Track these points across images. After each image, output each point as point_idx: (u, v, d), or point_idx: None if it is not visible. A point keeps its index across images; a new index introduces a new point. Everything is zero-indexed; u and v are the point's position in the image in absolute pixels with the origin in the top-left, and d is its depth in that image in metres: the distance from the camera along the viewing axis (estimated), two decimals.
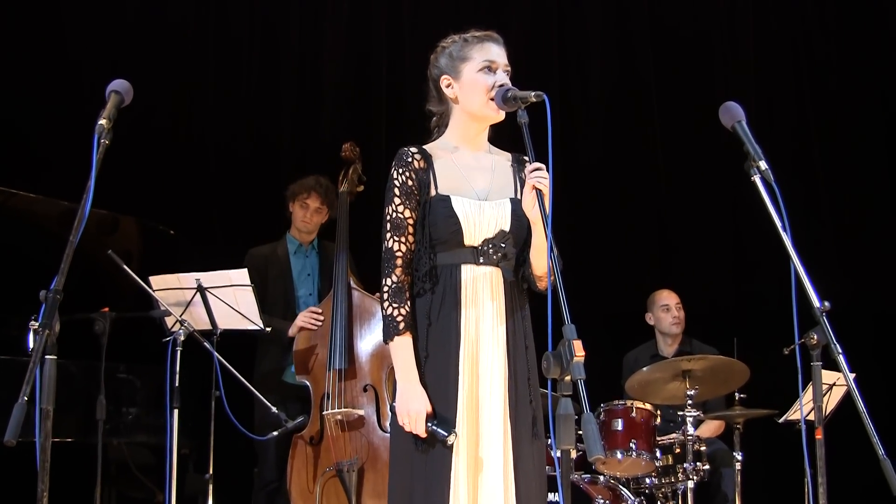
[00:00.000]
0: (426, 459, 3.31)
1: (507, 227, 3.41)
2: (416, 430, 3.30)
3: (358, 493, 5.31)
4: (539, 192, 3.16)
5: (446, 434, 3.26)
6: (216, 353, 5.23)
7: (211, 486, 5.42)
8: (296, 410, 5.59)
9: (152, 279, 5.33)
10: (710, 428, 6.54)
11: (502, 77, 3.46)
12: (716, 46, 8.20)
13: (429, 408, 3.31)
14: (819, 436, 3.22)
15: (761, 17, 8.24)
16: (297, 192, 6.14)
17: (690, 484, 5.76)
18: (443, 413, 3.31)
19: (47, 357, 2.88)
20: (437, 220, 3.38)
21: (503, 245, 3.41)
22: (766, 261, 7.38)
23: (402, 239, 3.42)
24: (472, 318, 3.37)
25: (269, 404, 5.32)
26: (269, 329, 5.53)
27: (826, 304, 3.07)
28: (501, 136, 3.68)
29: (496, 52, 3.51)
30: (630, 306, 7.23)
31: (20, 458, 3.67)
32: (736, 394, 6.03)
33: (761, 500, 6.88)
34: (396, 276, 3.40)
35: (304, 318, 5.73)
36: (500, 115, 3.46)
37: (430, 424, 3.28)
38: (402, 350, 3.38)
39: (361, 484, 5.33)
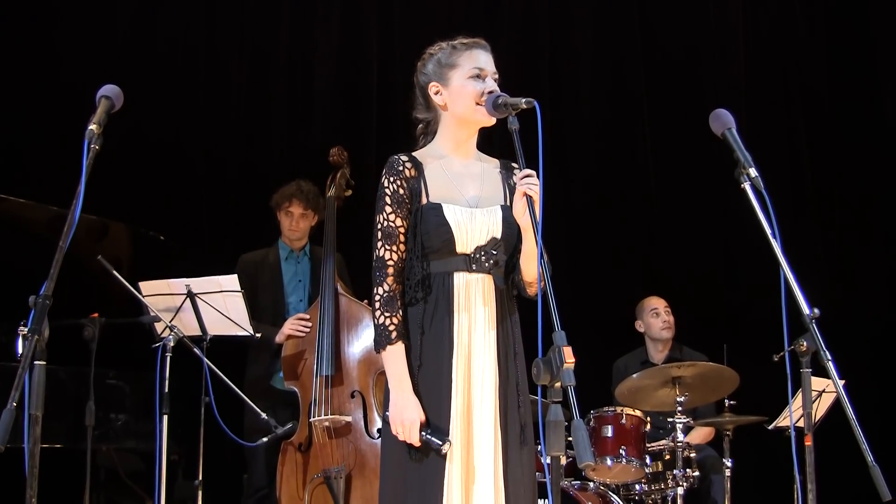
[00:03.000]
0: (420, 468, 3.31)
1: (498, 235, 3.41)
2: (410, 439, 3.29)
3: (346, 500, 5.30)
4: (529, 199, 3.16)
5: (440, 443, 3.25)
6: (206, 359, 5.22)
7: (200, 493, 5.40)
8: (285, 416, 5.58)
9: (142, 285, 5.32)
10: (700, 434, 6.55)
11: (491, 84, 3.46)
12: (706, 54, 8.22)
13: (422, 417, 3.30)
14: (808, 442, 3.22)
15: (752, 27, 8.27)
16: (280, 201, 6.14)
17: (680, 490, 5.76)
18: (436, 422, 3.31)
19: (36, 363, 2.88)
20: (428, 228, 3.37)
21: (495, 252, 3.41)
22: (755, 268, 7.38)
23: (394, 248, 3.41)
24: (465, 323, 3.36)
25: (258, 410, 5.31)
26: (258, 335, 5.53)
27: (815, 311, 3.08)
28: (491, 142, 3.68)
29: (484, 60, 3.51)
30: (620, 313, 7.23)
31: (9, 464, 3.65)
32: (726, 400, 6.03)
33: None
34: (388, 284, 3.39)
35: (290, 326, 5.72)
36: (491, 120, 3.45)
37: (423, 433, 3.28)
38: (395, 359, 3.37)
39: (349, 491, 5.32)
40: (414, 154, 3.53)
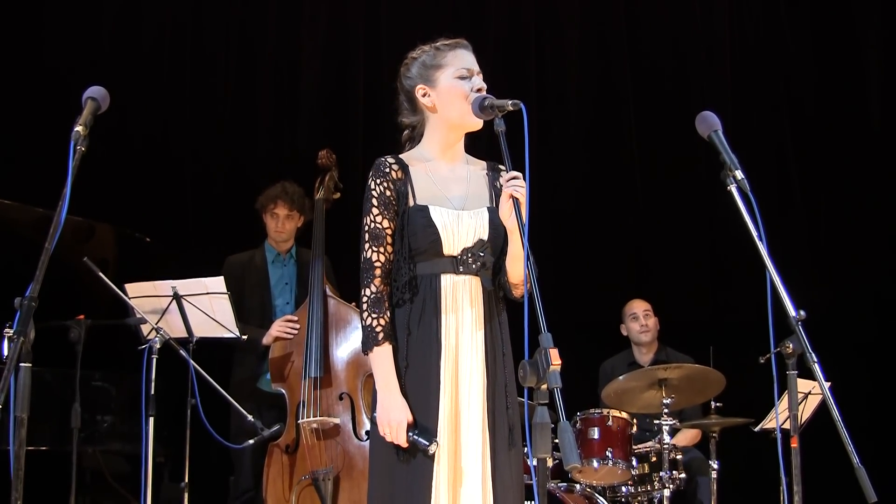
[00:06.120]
0: (407, 469, 3.31)
1: (485, 236, 3.42)
2: (397, 440, 3.29)
3: (334, 501, 5.30)
4: (516, 201, 3.16)
5: (427, 444, 3.25)
6: (192, 361, 5.20)
7: (186, 495, 5.39)
8: (271, 418, 5.58)
9: (128, 287, 5.31)
10: (687, 436, 6.56)
11: (479, 82, 3.46)
12: (692, 56, 8.24)
13: (410, 417, 3.31)
14: (794, 444, 3.22)
15: (738, 29, 8.29)
16: (265, 203, 6.13)
17: (666, 492, 5.78)
18: (423, 423, 3.31)
19: (22, 365, 2.86)
20: (415, 230, 3.37)
21: (482, 254, 3.41)
22: (741, 270, 7.39)
23: (381, 249, 3.41)
24: (452, 325, 3.36)
25: (245, 412, 5.30)
26: (244, 337, 5.52)
27: (801, 312, 3.08)
28: (478, 143, 3.67)
29: (469, 59, 3.52)
30: (606, 315, 7.24)
31: None
32: (712, 402, 6.05)
33: None
34: (375, 286, 3.39)
35: (279, 328, 5.71)
36: (479, 124, 3.45)
37: (411, 434, 3.28)
38: (382, 360, 3.37)
39: (337, 493, 5.32)
40: (401, 156, 3.53)
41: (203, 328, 5.38)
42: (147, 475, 5.03)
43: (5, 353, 2.85)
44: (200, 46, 8.03)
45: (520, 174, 3.18)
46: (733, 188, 3.23)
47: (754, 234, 3.16)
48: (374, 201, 3.42)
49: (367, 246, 3.42)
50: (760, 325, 3.24)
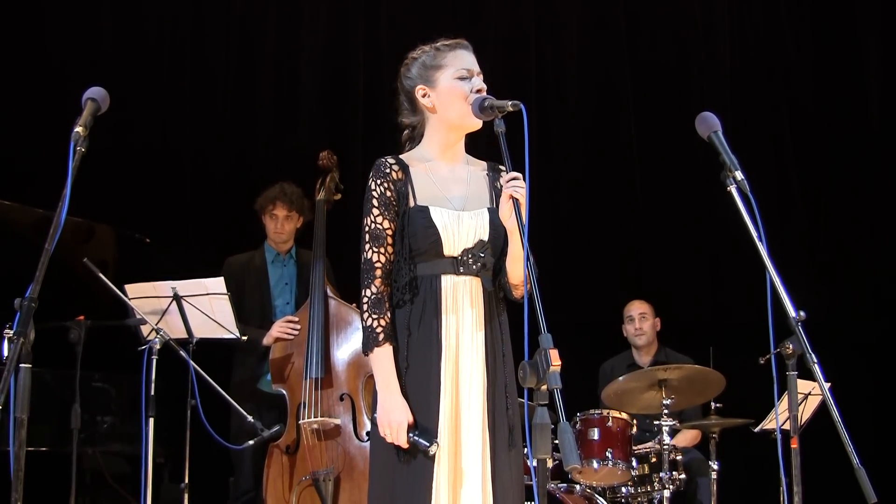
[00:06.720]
0: (408, 470, 3.30)
1: (485, 237, 3.41)
2: (397, 440, 3.29)
3: (334, 502, 5.29)
4: (516, 202, 3.16)
5: (428, 444, 3.25)
6: (192, 362, 5.20)
7: (186, 496, 5.38)
8: (271, 419, 5.58)
9: (128, 287, 5.30)
10: (686, 437, 6.56)
11: (479, 83, 3.46)
12: (692, 56, 8.24)
13: (410, 418, 3.30)
14: (794, 445, 3.22)
15: (738, 30, 8.29)
16: (264, 204, 6.13)
17: (666, 493, 5.77)
18: (424, 423, 3.31)
19: (22, 365, 2.86)
20: (416, 230, 3.37)
21: (482, 255, 3.40)
22: (741, 270, 7.39)
23: (381, 250, 3.41)
24: (453, 325, 3.36)
25: (245, 413, 5.30)
26: (245, 338, 5.52)
27: (801, 313, 3.08)
28: (478, 144, 3.67)
29: (469, 60, 3.51)
30: (606, 316, 7.24)
31: None
32: (712, 403, 6.04)
33: None
34: (376, 286, 3.39)
35: (279, 329, 5.70)
36: (479, 125, 3.45)
37: (411, 435, 3.28)
38: (383, 361, 3.36)
39: (337, 493, 5.31)
40: (401, 157, 3.52)
41: (203, 329, 5.38)
42: (147, 476, 5.03)
43: (5, 353, 2.85)
44: (200, 46, 8.04)
45: (520, 175, 3.17)
46: (733, 189, 3.23)
47: (754, 234, 3.16)
48: (375, 202, 3.42)
49: (367, 246, 3.42)
50: (760, 326, 3.24)
